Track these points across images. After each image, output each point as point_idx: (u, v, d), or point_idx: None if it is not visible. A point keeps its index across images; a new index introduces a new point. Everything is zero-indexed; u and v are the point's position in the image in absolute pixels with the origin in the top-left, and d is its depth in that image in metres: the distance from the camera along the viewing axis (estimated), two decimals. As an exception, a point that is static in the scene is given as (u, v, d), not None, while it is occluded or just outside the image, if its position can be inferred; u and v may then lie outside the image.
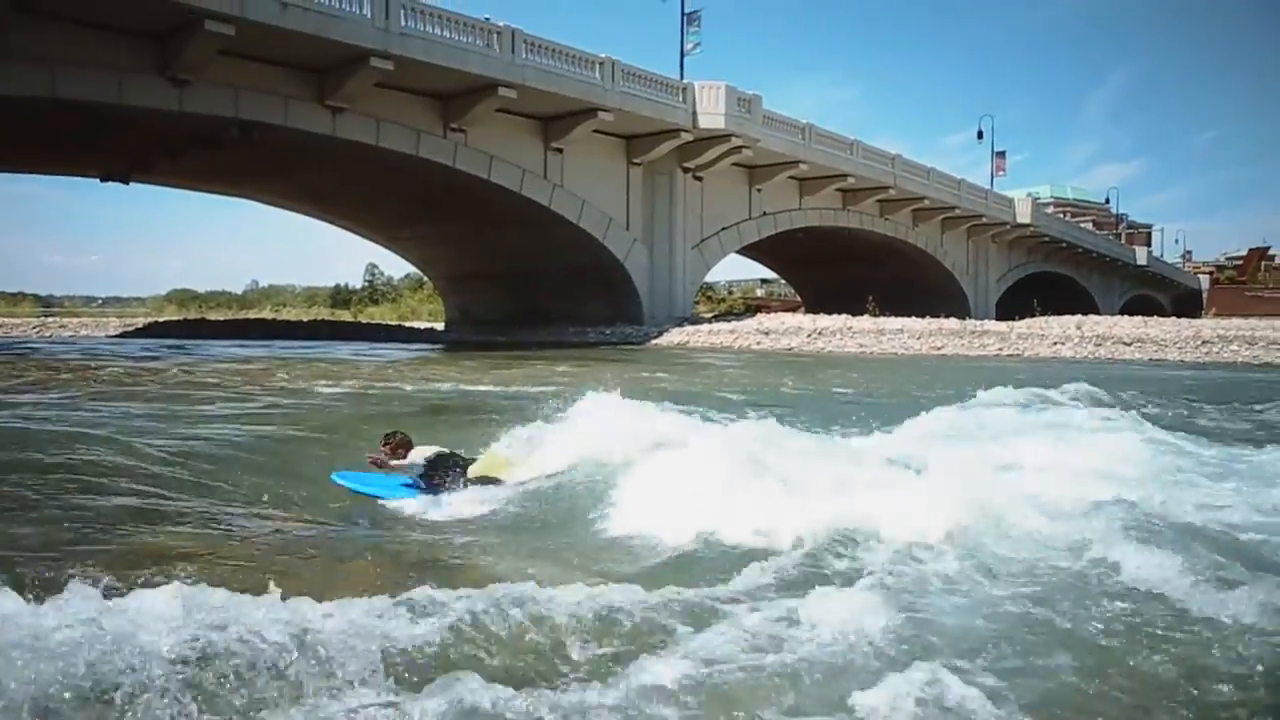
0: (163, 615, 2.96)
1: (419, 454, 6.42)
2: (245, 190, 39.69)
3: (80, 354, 22.91)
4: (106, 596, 3.01)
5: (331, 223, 43.42)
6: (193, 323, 48.50)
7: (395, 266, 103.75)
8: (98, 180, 34.96)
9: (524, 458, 6.82)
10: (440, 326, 48.59)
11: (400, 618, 3.23)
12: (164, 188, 39.87)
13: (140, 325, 47.63)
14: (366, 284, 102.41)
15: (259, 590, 3.20)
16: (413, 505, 6.08)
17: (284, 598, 3.15)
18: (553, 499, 5.87)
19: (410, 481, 6.41)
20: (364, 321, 61.25)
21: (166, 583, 3.34)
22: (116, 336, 39.51)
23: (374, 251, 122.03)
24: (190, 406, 10.63)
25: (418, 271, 57.66)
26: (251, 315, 68.97)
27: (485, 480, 6.37)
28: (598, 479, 5.84)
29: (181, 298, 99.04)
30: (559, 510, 5.66)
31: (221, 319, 54.51)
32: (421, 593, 3.39)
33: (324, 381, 14.51)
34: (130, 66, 22.93)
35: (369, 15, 24.83)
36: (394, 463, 6.39)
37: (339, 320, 63.94)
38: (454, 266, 42.15)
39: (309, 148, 28.47)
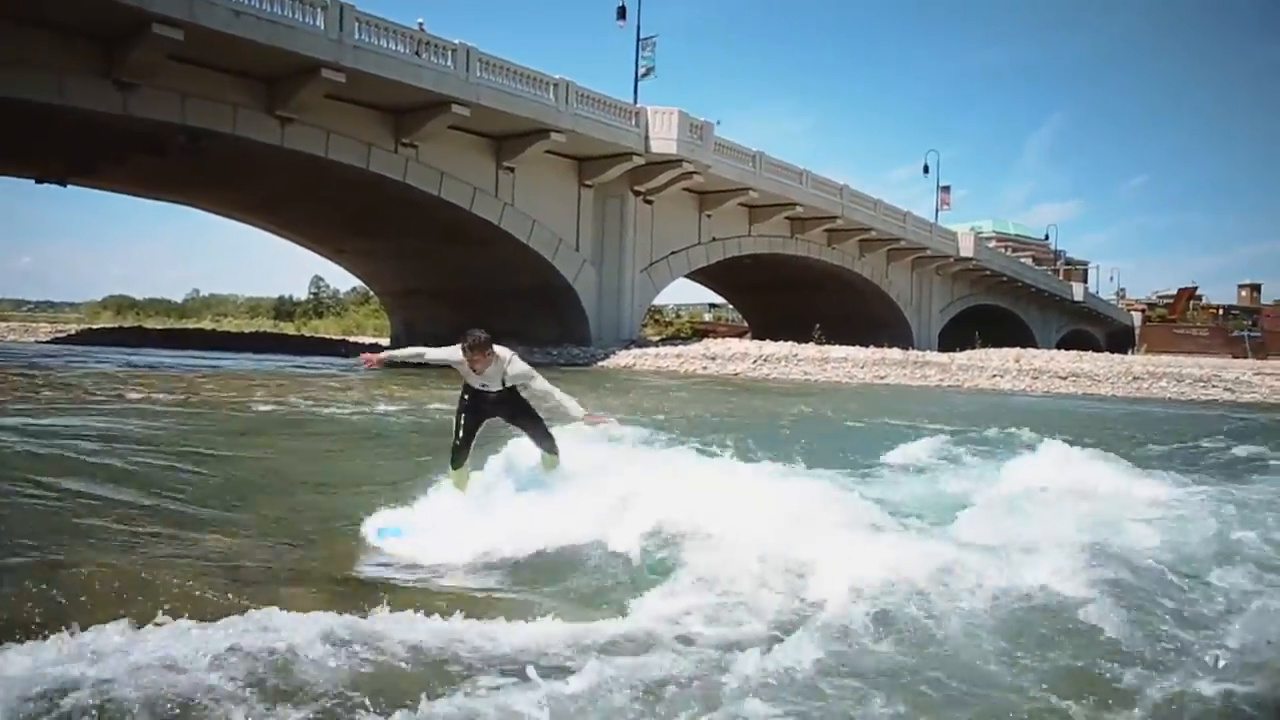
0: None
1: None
2: (189, 198, 38.93)
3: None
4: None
5: (277, 234, 42.73)
6: (130, 330, 47.35)
7: (341, 280, 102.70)
8: (32, 181, 34.01)
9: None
10: (385, 342, 48.04)
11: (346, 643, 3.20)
12: (103, 191, 38.93)
13: (74, 332, 46.38)
14: (311, 296, 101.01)
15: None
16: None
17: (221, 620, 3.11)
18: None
19: None
20: (307, 335, 60.18)
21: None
22: (47, 343, 38.36)
23: (320, 264, 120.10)
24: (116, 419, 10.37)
25: (364, 285, 57.00)
26: (191, 325, 67.58)
27: None
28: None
29: (119, 304, 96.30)
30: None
31: (160, 328, 53.24)
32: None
33: (260, 395, 14.27)
34: (74, 67, 22.43)
35: (322, 26, 24.64)
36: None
37: (282, 333, 62.80)
38: (401, 281, 41.76)
39: (257, 157, 28.06)
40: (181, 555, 4.76)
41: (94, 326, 52.53)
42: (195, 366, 23.08)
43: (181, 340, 41.22)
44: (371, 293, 57.47)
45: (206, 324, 75.61)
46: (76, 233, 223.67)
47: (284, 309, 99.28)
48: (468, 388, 6.35)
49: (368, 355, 6.61)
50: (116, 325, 54.63)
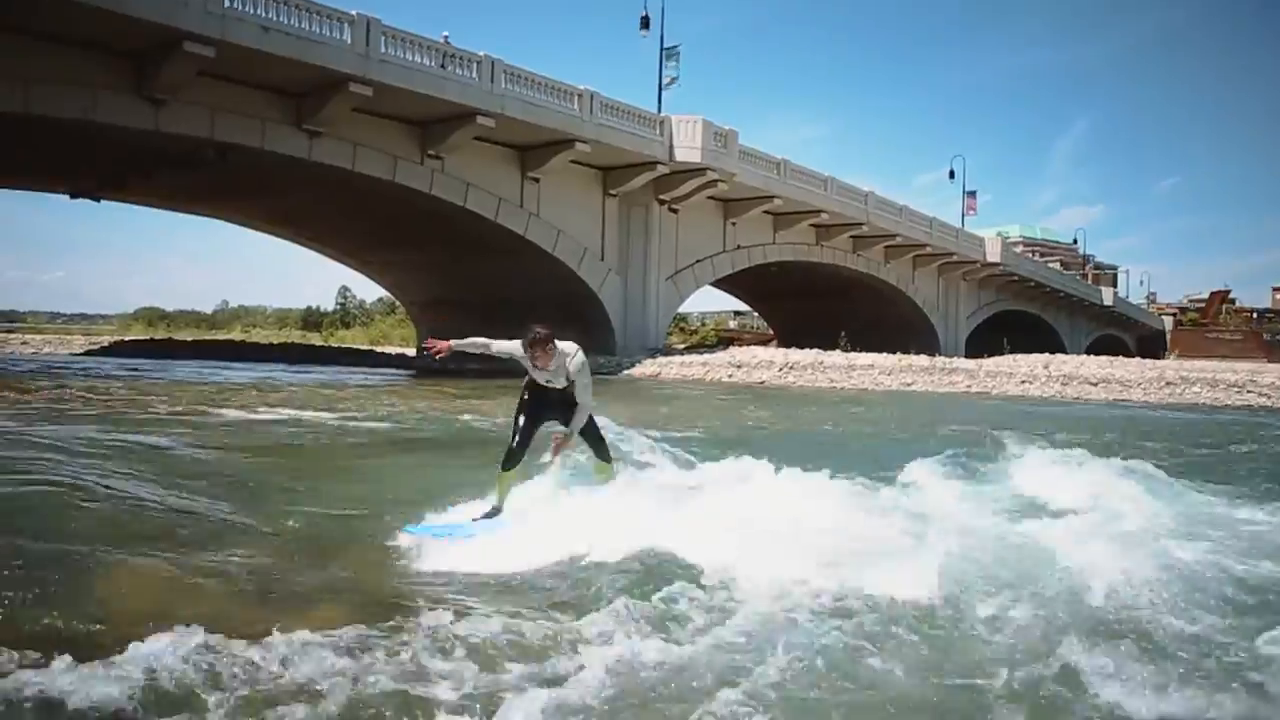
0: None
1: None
2: (218, 211, 39.45)
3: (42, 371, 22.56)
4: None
5: (304, 245, 43.21)
6: (160, 342, 48.00)
7: (367, 290, 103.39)
8: (65, 196, 34.62)
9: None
10: (411, 352, 48.36)
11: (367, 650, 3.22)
12: (134, 205, 39.54)
13: (106, 344, 47.04)
14: (338, 307, 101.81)
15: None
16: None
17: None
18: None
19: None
20: (335, 345, 60.70)
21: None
22: (81, 354, 38.94)
23: (346, 274, 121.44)
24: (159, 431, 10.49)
25: (390, 295, 57.42)
26: (221, 336, 68.42)
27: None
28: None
29: (150, 316, 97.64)
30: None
31: (190, 339, 53.96)
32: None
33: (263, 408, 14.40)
34: (106, 84, 22.82)
35: (349, 40, 24.91)
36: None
37: (310, 343, 63.39)
38: (427, 292, 42.03)
39: (284, 170, 28.39)
40: (213, 566, 4.80)
41: (125, 338, 53.21)
42: (224, 378, 23.32)
43: (211, 351, 41.70)
44: (397, 303, 57.85)
45: (236, 334, 76.59)
46: (108, 246, 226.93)
47: (312, 319, 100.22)
48: (530, 384, 6.27)
49: (434, 341, 6.56)
50: (148, 337, 55.35)
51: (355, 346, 58.82)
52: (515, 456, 6.08)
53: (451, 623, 3.75)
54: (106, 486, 6.34)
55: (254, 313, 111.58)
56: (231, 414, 13.13)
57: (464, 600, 4.47)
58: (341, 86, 25.27)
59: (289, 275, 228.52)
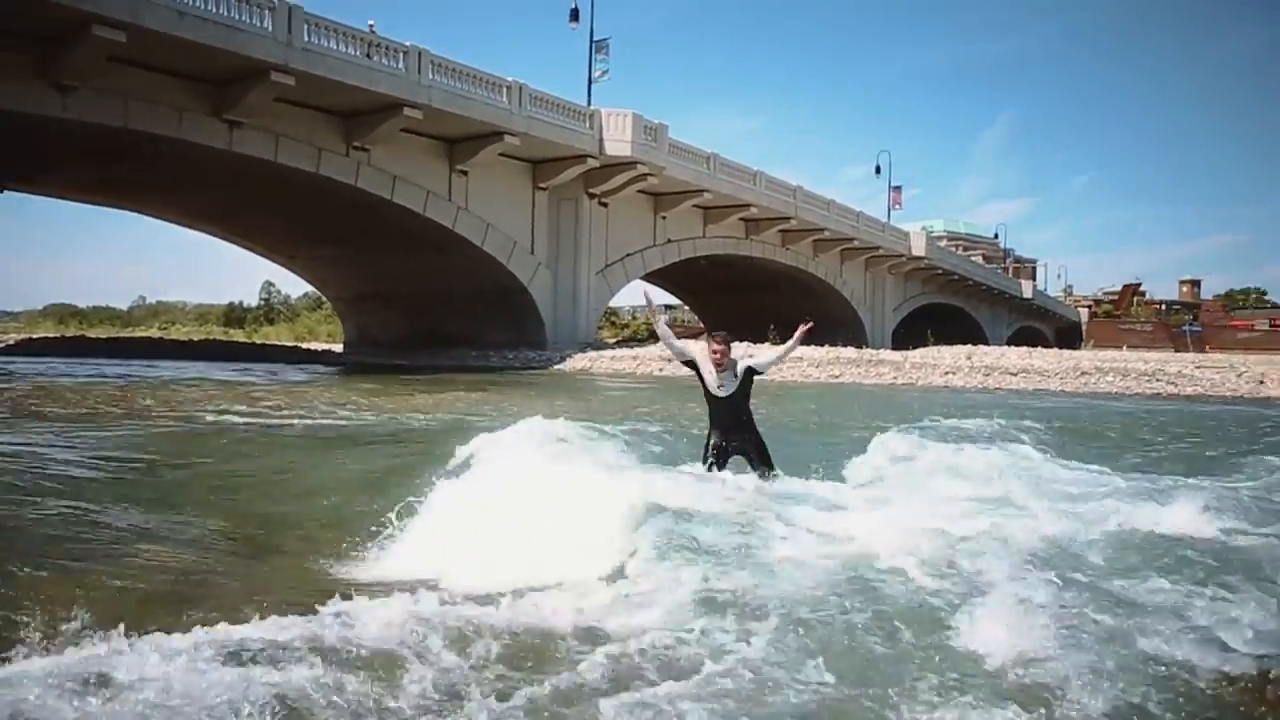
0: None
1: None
2: (136, 204, 38.16)
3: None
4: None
5: (227, 240, 42.05)
6: (72, 340, 46.15)
7: (293, 285, 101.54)
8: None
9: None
10: (339, 348, 47.46)
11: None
12: (42, 197, 37.99)
13: (12, 342, 45.13)
14: (263, 303, 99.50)
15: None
16: None
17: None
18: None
19: None
20: (259, 342, 59.20)
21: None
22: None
23: (271, 269, 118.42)
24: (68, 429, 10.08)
25: (316, 291, 56.25)
26: (138, 333, 66.13)
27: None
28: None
29: (60, 313, 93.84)
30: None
31: (104, 336, 51.96)
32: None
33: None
34: (9, 69, 21.82)
35: (270, 28, 24.25)
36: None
37: (232, 340, 61.76)
38: (354, 287, 41.29)
39: (205, 163, 27.57)
40: (137, 565, 4.63)
41: (34, 336, 51.10)
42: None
43: (126, 349, 40.25)
44: (324, 298, 56.71)
45: (154, 332, 74.12)
46: (15, 239, 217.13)
47: (235, 316, 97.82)
48: (709, 399, 6.77)
49: (650, 294, 7.48)
50: (58, 335, 53.22)
51: (280, 343, 57.47)
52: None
53: (361, 625, 3.66)
54: None
55: (173, 309, 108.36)
56: (144, 414, 12.69)
57: (387, 600, 4.38)
58: (263, 75, 24.59)
59: (211, 271, 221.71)
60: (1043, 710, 3.06)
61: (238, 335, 77.34)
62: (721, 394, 6.63)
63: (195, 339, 55.55)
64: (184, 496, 6.79)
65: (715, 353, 6.57)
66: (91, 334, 54.65)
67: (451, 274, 35.24)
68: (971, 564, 4.44)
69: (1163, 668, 3.36)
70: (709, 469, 6.64)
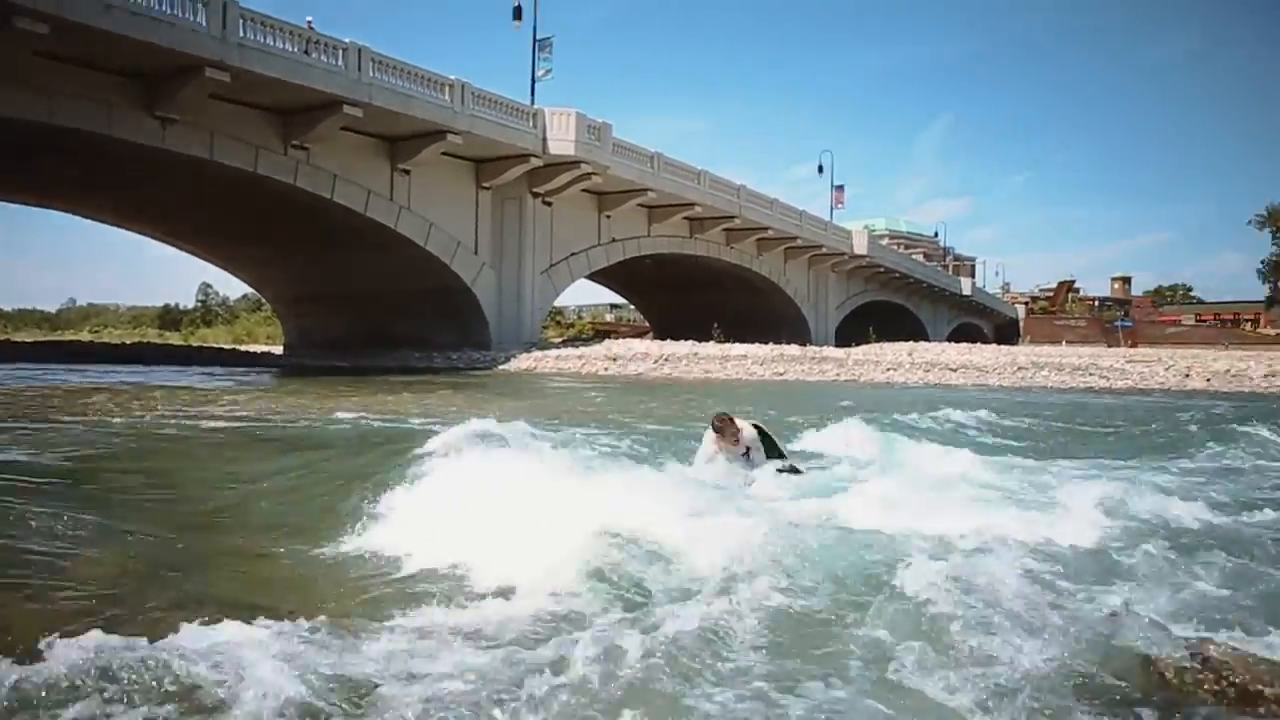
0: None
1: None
2: (64, 204, 36.99)
3: None
4: None
5: (162, 240, 41.01)
6: (-5, 343, 44.58)
7: (232, 287, 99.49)
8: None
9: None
10: (279, 350, 46.60)
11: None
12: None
13: (-67, 346, 43.44)
14: (199, 304, 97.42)
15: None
16: None
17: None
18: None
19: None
20: (196, 345, 57.79)
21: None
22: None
23: (208, 270, 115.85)
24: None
25: (255, 292, 55.16)
26: (67, 336, 64.19)
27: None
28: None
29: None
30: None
31: (30, 340, 50.29)
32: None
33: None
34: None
35: (204, 23, 23.66)
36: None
37: (168, 343, 60.22)
38: (294, 288, 40.55)
39: (136, 160, 26.81)
40: (67, 579, 4.48)
41: (-44, 340, 49.26)
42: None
43: (55, 353, 39.00)
44: (264, 300, 55.61)
45: (85, 335, 72.03)
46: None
47: (170, 318, 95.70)
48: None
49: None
50: (-18, 338, 51.40)
51: (218, 345, 56.23)
52: None
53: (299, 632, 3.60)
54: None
55: (105, 311, 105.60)
56: (74, 419, 12.29)
57: (326, 607, 4.31)
58: (197, 71, 23.97)
59: (145, 272, 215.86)
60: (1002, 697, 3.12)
61: (174, 338, 75.51)
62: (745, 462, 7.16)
63: (128, 342, 53.95)
64: (99, 504, 6.59)
65: (732, 438, 6.98)
66: (17, 338, 52.86)
67: (394, 274, 34.80)
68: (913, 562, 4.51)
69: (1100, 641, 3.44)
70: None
